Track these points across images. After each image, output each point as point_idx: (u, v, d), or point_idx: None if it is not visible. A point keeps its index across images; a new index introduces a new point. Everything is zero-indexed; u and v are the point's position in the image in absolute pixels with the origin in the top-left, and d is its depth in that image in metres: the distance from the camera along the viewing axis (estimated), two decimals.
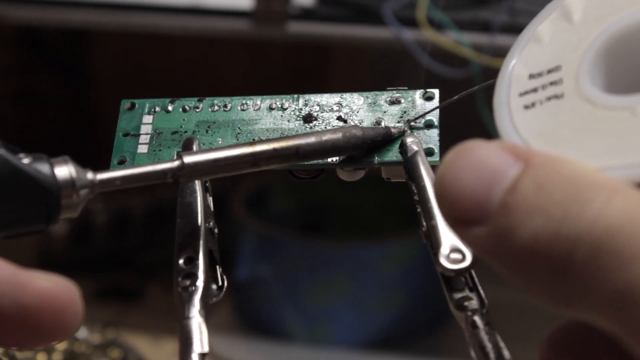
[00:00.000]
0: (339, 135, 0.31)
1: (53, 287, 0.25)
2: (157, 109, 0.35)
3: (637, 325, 0.21)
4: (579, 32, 0.29)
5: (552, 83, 0.28)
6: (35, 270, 0.25)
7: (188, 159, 0.29)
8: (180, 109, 0.35)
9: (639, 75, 0.28)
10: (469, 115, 0.68)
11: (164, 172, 0.29)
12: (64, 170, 0.27)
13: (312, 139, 0.31)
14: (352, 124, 0.33)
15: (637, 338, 0.22)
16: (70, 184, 0.27)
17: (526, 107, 0.28)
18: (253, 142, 0.30)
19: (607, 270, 0.21)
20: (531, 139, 0.28)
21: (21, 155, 0.27)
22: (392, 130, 0.32)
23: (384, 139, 0.32)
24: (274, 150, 0.30)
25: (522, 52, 0.30)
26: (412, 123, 0.33)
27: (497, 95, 0.29)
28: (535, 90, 0.28)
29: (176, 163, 0.29)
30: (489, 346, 0.27)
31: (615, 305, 0.21)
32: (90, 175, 0.28)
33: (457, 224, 0.24)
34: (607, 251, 0.22)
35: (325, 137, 0.31)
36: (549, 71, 0.29)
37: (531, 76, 0.29)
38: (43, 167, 0.27)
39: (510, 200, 0.23)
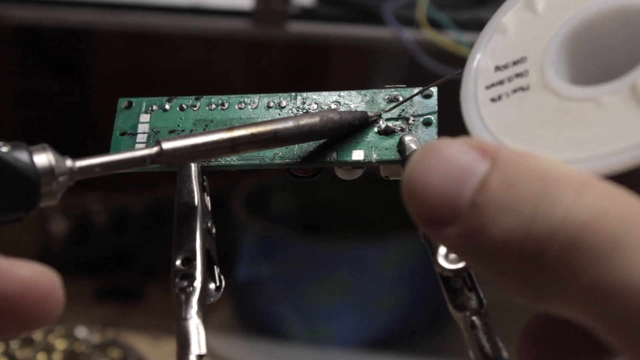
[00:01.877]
0: (316, 119, 0.31)
1: (33, 274, 0.25)
2: (155, 107, 0.35)
3: (610, 318, 0.21)
4: (543, 22, 0.29)
5: (518, 75, 0.28)
6: (14, 258, 0.25)
7: (166, 145, 0.29)
8: (178, 108, 0.34)
9: (603, 65, 0.28)
10: None
11: (142, 158, 0.29)
12: (43, 158, 0.27)
13: (289, 123, 0.31)
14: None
15: (611, 330, 0.22)
16: (50, 172, 0.27)
17: (493, 100, 0.28)
18: (231, 128, 0.30)
19: (579, 266, 0.22)
20: (498, 133, 0.27)
21: (0, 143, 0.27)
22: (369, 113, 0.32)
23: (361, 122, 0.32)
24: (252, 135, 0.30)
25: (487, 44, 0.29)
26: (411, 121, 0.33)
27: (463, 88, 0.29)
28: (501, 82, 0.28)
29: (154, 149, 0.29)
30: (487, 346, 0.27)
31: (588, 300, 0.22)
32: (69, 162, 0.28)
33: (429, 224, 0.24)
34: (578, 247, 0.22)
35: (303, 121, 0.31)
36: (515, 63, 0.28)
37: (497, 68, 0.29)
38: (22, 155, 0.27)
39: (480, 199, 0.23)
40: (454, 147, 0.24)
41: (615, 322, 0.21)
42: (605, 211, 0.22)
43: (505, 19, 0.29)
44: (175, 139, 0.29)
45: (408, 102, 0.33)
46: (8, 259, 0.25)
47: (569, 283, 0.22)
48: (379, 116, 0.33)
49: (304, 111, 0.34)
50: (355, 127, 0.32)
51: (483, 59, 0.29)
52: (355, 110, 0.33)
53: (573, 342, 0.27)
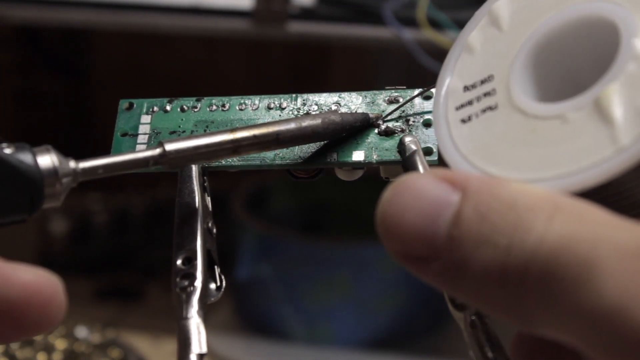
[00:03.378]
0: (318, 121, 0.31)
1: (36, 279, 0.25)
2: (155, 108, 0.35)
3: (593, 340, 0.22)
4: (508, 38, 0.28)
5: (486, 94, 0.28)
6: (18, 262, 0.25)
7: (169, 146, 0.29)
8: (179, 109, 0.35)
9: (568, 80, 0.28)
10: None
11: (145, 160, 0.29)
12: (47, 160, 0.27)
13: (291, 125, 0.31)
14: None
15: (594, 352, 0.22)
16: (53, 173, 0.27)
17: (463, 120, 0.28)
18: (234, 129, 0.30)
19: (557, 291, 0.22)
20: (469, 154, 0.27)
21: (3, 144, 0.27)
22: (370, 115, 0.32)
23: (362, 124, 0.32)
24: (254, 136, 0.30)
25: (455, 64, 0.29)
26: (411, 122, 0.33)
27: (434, 109, 0.29)
28: (470, 102, 0.28)
29: (157, 150, 0.29)
30: (487, 346, 0.27)
31: (570, 324, 0.22)
32: (72, 163, 0.28)
33: (407, 261, 0.24)
34: (553, 272, 0.22)
35: (305, 123, 0.31)
36: (482, 82, 0.28)
37: (466, 88, 0.28)
38: (25, 157, 0.27)
39: (455, 233, 0.23)
40: (423, 181, 0.24)
41: (596, 343, 0.22)
42: (575, 235, 0.22)
43: (471, 37, 0.29)
44: (177, 140, 0.30)
45: (408, 103, 0.33)
46: (11, 264, 0.25)
47: (550, 308, 0.22)
48: (380, 118, 0.33)
49: (305, 112, 0.34)
50: (357, 128, 0.32)
51: (452, 80, 0.29)
52: (357, 112, 0.33)
53: (563, 353, 0.27)
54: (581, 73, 0.27)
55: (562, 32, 0.28)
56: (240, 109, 0.34)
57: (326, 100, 0.34)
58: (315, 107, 0.34)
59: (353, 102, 0.34)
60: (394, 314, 0.89)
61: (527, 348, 0.28)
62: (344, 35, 0.82)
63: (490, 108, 0.27)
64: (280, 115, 0.34)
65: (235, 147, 0.30)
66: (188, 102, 0.35)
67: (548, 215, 0.22)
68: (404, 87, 0.34)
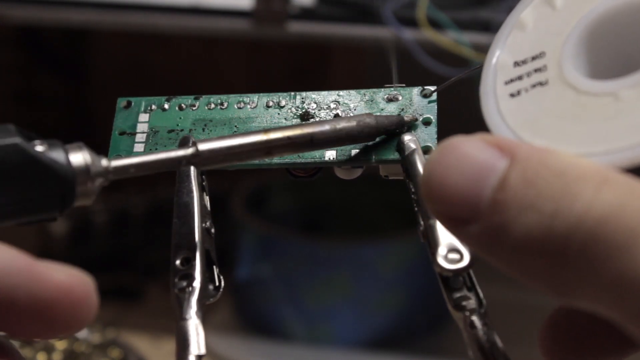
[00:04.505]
0: (353, 123, 0.31)
1: (68, 279, 0.25)
2: (153, 107, 0.35)
3: (631, 310, 0.22)
4: (562, 17, 0.29)
5: (537, 70, 0.28)
6: (51, 261, 0.25)
7: (202, 146, 0.29)
8: (177, 107, 0.34)
9: (621, 59, 0.28)
10: (467, 113, 0.67)
11: (178, 160, 0.29)
12: (79, 157, 0.27)
13: (326, 127, 0.31)
14: None
15: (633, 322, 0.22)
16: (85, 171, 0.27)
17: (512, 95, 0.28)
18: (267, 130, 0.30)
19: (600, 259, 0.22)
20: (517, 128, 0.27)
21: (36, 142, 0.27)
22: (405, 118, 0.32)
23: (397, 127, 0.32)
24: (288, 138, 0.30)
25: (506, 40, 0.29)
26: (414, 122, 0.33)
27: (483, 84, 0.29)
28: (520, 77, 0.28)
29: (190, 150, 0.29)
30: (487, 346, 0.27)
31: (611, 293, 0.22)
32: (104, 162, 0.28)
33: (449, 222, 0.24)
34: (598, 241, 0.22)
35: (340, 126, 0.31)
36: (533, 58, 0.28)
37: (516, 64, 0.29)
38: (58, 155, 0.27)
39: (500, 197, 0.23)
40: (471, 145, 0.24)
41: (636, 313, 0.21)
42: (625, 205, 0.22)
43: (523, 15, 0.30)
44: (210, 140, 0.29)
45: (408, 101, 0.33)
46: (44, 263, 0.25)
47: (591, 277, 0.22)
48: (415, 120, 0.32)
49: (304, 110, 0.34)
50: (391, 132, 0.32)
51: (502, 55, 0.29)
52: (392, 115, 0.33)
53: (597, 334, 0.27)
54: (635, 54, 0.28)
55: (618, 13, 0.28)
56: (239, 107, 0.34)
57: (325, 98, 0.34)
58: (314, 105, 0.34)
59: (352, 101, 0.34)
60: (394, 314, 0.89)
61: (558, 335, 0.28)
62: (344, 35, 0.82)
63: (541, 84, 0.28)
64: (278, 114, 0.34)
65: (269, 148, 0.30)
66: (186, 101, 0.35)
67: (597, 185, 0.22)
68: (403, 85, 0.34)
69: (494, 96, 0.28)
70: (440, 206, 0.24)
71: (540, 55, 0.28)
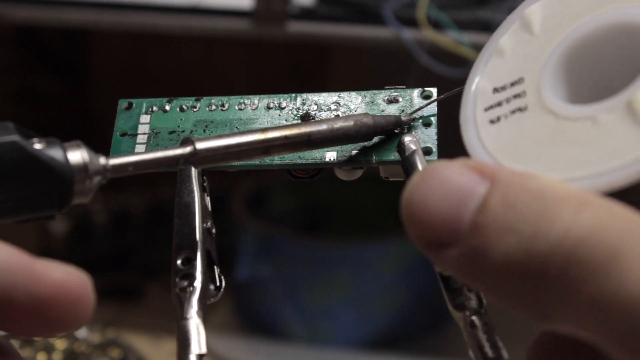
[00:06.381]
0: (350, 123, 0.31)
1: (66, 277, 0.25)
2: (155, 108, 0.35)
3: (612, 332, 0.21)
4: (540, 42, 0.29)
5: (516, 96, 0.28)
6: (49, 260, 0.25)
7: (200, 145, 0.29)
8: (178, 109, 0.35)
9: (599, 83, 0.28)
10: None
11: (175, 158, 0.29)
12: (77, 155, 0.27)
13: (323, 127, 0.31)
14: None
15: (614, 346, 0.21)
16: (83, 169, 0.27)
17: (492, 121, 0.28)
18: (265, 129, 0.30)
19: (579, 281, 0.21)
20: (497, 154, 0.27)
21: (34, 140, 0.27)
22: (403, 118, 0.32)
23: (394, 127, 0.32)
24: (285, 137, 0.30)
25: (485, 66, 0.29)
26: (411, 123, 0.33)
27: (462, 110, 0.29)
28: (499, 104, 0.28)
29: (188, 149, 0.29)
30: (487, 346, 0.27)
31: (590, 317, 0.21)
32: (102, 160, 0.28)
33: (429, 247, 0.24)
34: (577, 262, 0.21)
35: (337, 125, 0.31)
36: (512, 84, 0.28)
37: (495, 90, 0.29)
38: (56, 153, 0.27)
39: (480, 220, 0.23)
40: (452, 169, 0.24)
41: (617, 336, 0.21)
42: (604, 226, 0.22)
43: (502, 41, 0.30)
44: (208, 139, 0.30)
45: (408, 103, 0.33)
46: (41, 261, 0.25)
47: (570, 300, 0.22)
48: (412, 120, 0.33)
49: (304, 112, 0.34)
50: (389, 132, 0.32)
51: (481, 81, 0.29)
52: (389, 115, 0.33)
53: (583, 356, 0.27)
54: (613, 77, 0.28)
55: (596, 37, 0.28)
56: (240, 109, 0.34)
57: (325, 100, 0.34)
58: (315, 107, 0.34)
59: (352, 102, 0.34)
60: (394, 314, 0.89)
61: (545, 354, 0.28)
62: (344, 35, 0.82)
63: (520, 109, 0.28)
64: (279, 115, 0.34)
65: (267, 147, 0.30)
66: (187, 102, 0.35)
67: (577, 207, 0.22)
68: (404, 86, 0.34)
69: (474, 123, 0.28)
70: (420, 230, 0.24)
71: (519, 81, 0.28)
